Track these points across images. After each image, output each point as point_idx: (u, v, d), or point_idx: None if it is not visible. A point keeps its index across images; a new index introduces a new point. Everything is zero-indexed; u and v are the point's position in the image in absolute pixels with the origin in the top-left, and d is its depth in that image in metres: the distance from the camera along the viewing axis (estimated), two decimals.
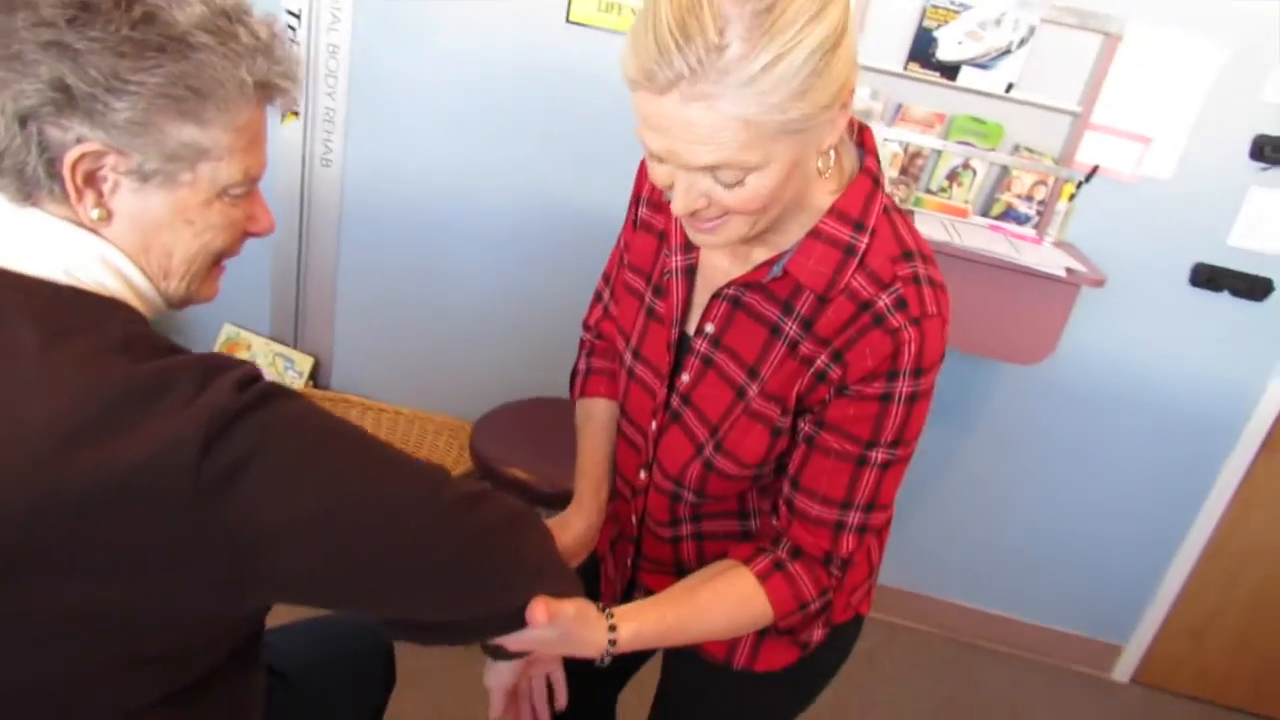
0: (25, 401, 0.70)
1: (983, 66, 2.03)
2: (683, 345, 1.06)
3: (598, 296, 1.28)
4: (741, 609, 1.03)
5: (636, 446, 1.14)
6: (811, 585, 1.03)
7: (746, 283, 0.98)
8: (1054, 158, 2.09)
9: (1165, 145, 2.05)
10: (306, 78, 2.22)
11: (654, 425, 1.10)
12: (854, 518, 1.00)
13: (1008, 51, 2.01)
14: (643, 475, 1.14)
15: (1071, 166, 2.06)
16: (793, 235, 0.96)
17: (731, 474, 1.03)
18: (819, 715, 1.34)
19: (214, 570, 0.72)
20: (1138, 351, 2.25)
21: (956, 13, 1.99)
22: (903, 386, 0.93)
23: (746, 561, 1.04)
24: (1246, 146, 2.03)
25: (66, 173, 0.74)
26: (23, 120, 0.73)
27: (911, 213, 2.12)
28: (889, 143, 2.09)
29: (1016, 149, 2.09)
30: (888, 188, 0.98)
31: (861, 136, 0.98)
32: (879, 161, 0.97)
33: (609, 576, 1.30)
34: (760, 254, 0.99)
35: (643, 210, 1.13)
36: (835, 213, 0.94)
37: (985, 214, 2.15)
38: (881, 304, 0.92)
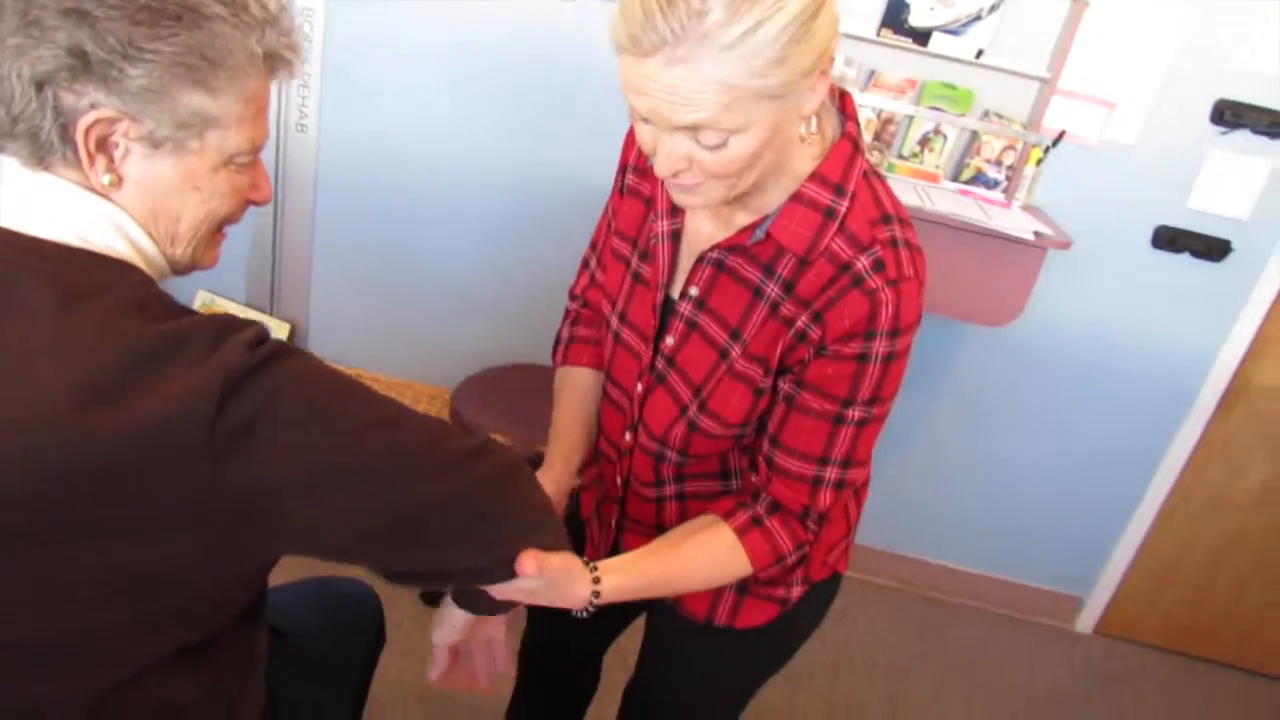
0: (43, 363, 0.71)
1: (954, 32, 2.06)
2: (667, 308, 1.09)
3: (585, 264, 1.30)
4: (721, 562, 1.06)
5: (622, 409, 1.17)
6: (788, 539, 1.06)
7: (730, 246, 1.01)
8: (1022, 123, 2.13)
9: (1129, 110, 2.10)
10: None
11: (639, 387, 1.12)
12: (831, 473, 1.03)
13: (978, 18, 2.04)
14: (628, 437, 1.16)
15: (1039, 131, 2.10)
16: (774, 199, 0.98)
17: (715, 434, 1.06)
18: (793, 671, 1.39)
19: (229, 523, 0.74)
20: (1102, 312, 2.31)
21: None
22: (879, 347, 0.96)
23: (726, 516, 1.07)
24: (1208, 110, 2.08)
25: (80, 138, 0.76)
26: (39, 85, 0.74)
27: (884, 178, 2.15)
28: (862, 109, 2.12)
29: (986, 114, 2.13)
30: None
31: (843, 103, 1.00)
32: (859, 127, 1.00)
33: (594, 540, 1.32)
34: (743, 218, 1.01)
35: (630, 177, 1.15)
36: (817, 177, 0.96)
37: (956, 179, 2.19)
38: (860, 266, 0.95)
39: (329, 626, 1.31)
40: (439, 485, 0.84)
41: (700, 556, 1.07)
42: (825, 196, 0.96)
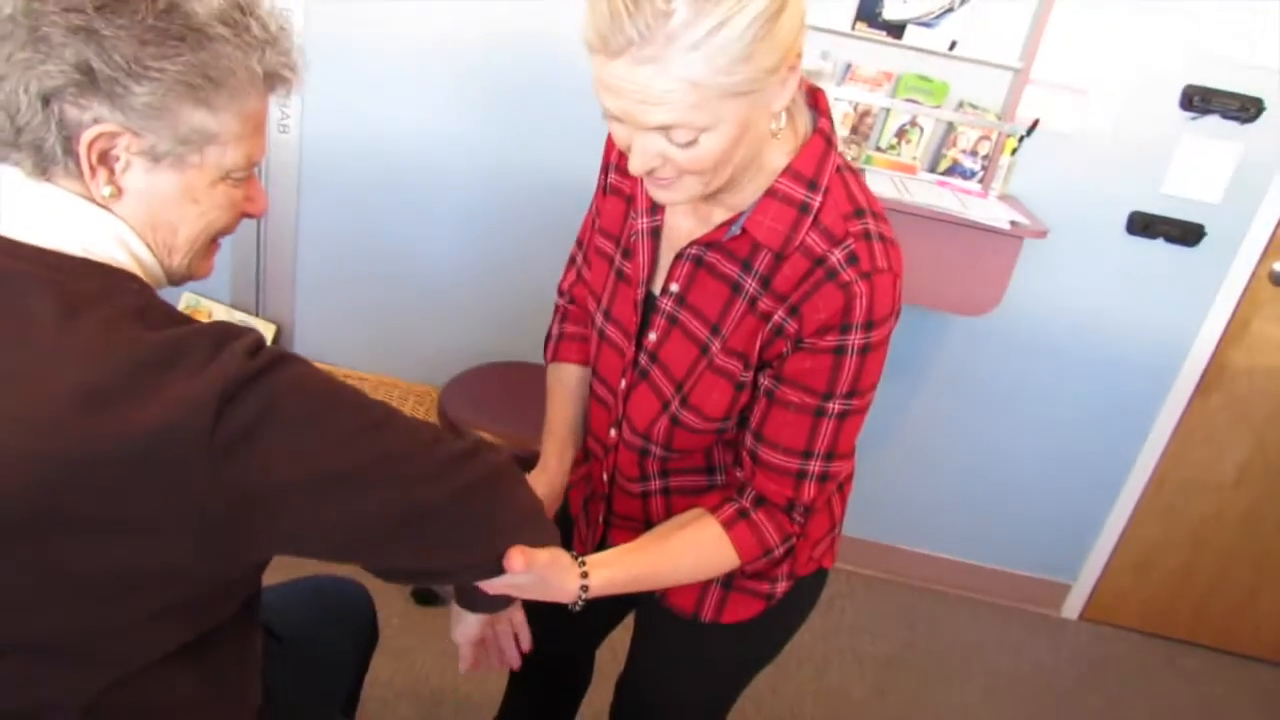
0: (47, 369, 0.73)
1: (927, 25, 2.09)
2: (650, 305, 1.10)
3: (571, 261, 1.31)
4: (708, 555, 1.08)
5: (607, 405, 1.18)
6: (775, 532, 1.07)
7: (708, 242, 1.02)
8: (996, 113, 2.15)
9: (1101, 98, 2.13)
10: None
11: (623, 383, 1.14)
12: (815, 466, 1.04)
13: (950, 9, 2.07)
14: (613, 433, 1.18)
15: (1013, 121, 2.13)
16: (750, 195, 1.00)
17: (697, 428, 1.08)
18: (782, 663, 1.40)
19: (225, 525, 0.76)
20: (1080, 299, 2.34)
21: None
22: (855, 339, 0.97)
23: (713, 510, 1.08)
24: (1177, 97, 2.11)
25: (82, 150, 0.78)
26: (45, 99, 0.76)
27: (863, 171, 2.17)
28: (839, 102, 2.14)
29: (961, 105, 2.16)
30: (839, 147, 1.02)
31: (815, 99, 1.02)
32: (832, 123, 1.01)
33: (581, 536, 1.34)
34: (720, 214, 1.02)
35: (611, 176, 1.16)
36: (790, 172, 0.98)
37: (933, 170, 2.21)
38: (834, 259, 0.96)
39: (322, 625, 1.32)
40: (431, 487, 0.86)
41: (687, 550, 1.08)
42: (799, 191, 0.98)
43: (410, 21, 2.22)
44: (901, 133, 2.18)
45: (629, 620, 1.42)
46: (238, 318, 2.51)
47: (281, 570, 1.00)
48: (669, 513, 1.18)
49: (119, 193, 0.81)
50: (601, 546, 1.28)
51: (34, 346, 0.74)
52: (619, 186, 1.15)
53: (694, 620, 1.23)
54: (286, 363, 0.78)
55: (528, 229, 2.38)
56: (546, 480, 1.22)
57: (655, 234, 1.09)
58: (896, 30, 2.10)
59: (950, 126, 2.17)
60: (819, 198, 0.98)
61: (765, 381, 1.03)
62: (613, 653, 1.58)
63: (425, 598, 2.26)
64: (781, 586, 1.21)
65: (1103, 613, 2.74)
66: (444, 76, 2.27)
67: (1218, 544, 2.60)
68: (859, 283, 0.95)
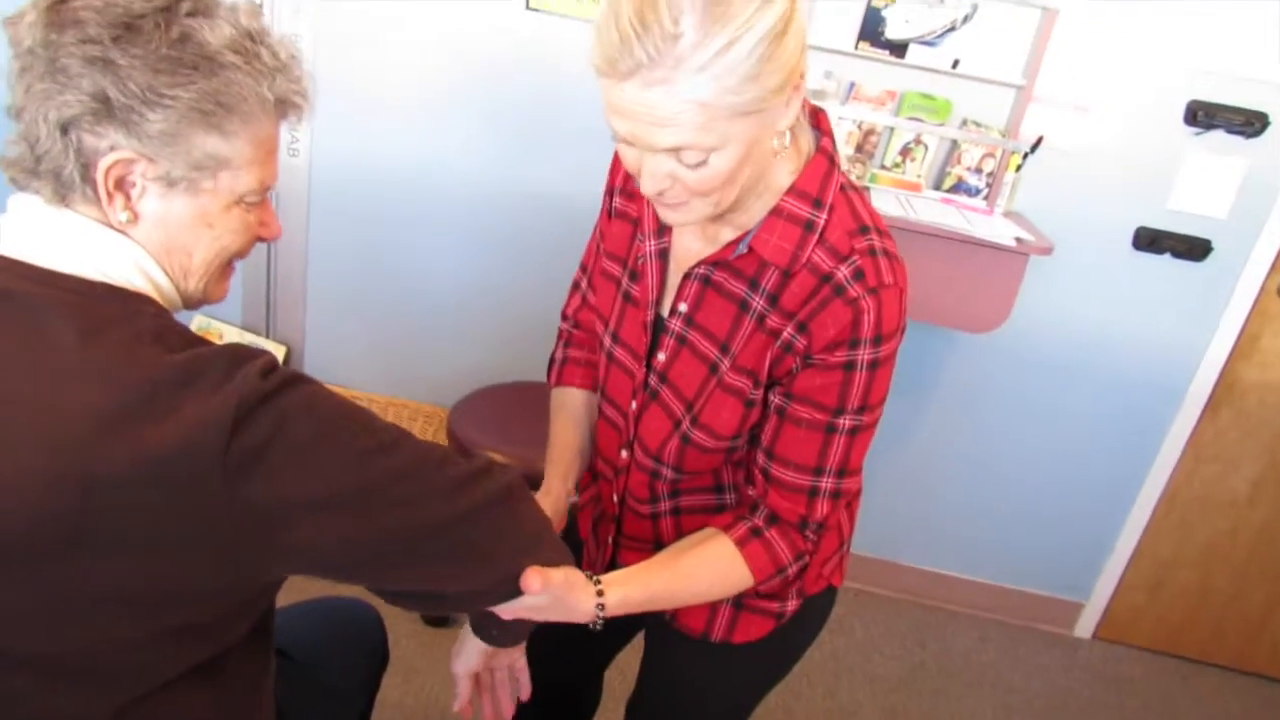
0: (67, 390, 0.75)
1: (929, 44, 2.10)
2: (658, 326, 1.11)
3: (575, 286, 1.32)
4: (722, 574, 1.08)
5: (617, 427, 1.18)
6: (788, 550, 1.08)
7: (715, 261, 1.03)
8: (1000, 130, 2.16)
9: (1105, 114, 2.13)
10: None
11: (634, 405, 1.14)
12: (827, 483, 1.05)
13: (953, 28, 2.08)
14: (624, 454, 1.18)
15: (1017, 138, 2.13)
16: (756, 214, 1.01)
17: (708, 447, 1.08)
18: (792, 683, 1.39)
19: (239, 544, 0.77)
20: (1087, 315, 2.33)
21: None
22: (864, 354, 0.98)
23: (726, 529, 1.08)
24: (1181, 112, 2.12)
25: (100, 177, 0.80)
26: (64, 128, 0.78)
27: (868, 189, 2.18)
28: (844, 121, 2.16)
29: (965, 123, 2.17)
30: (844, 165, 1.03)
31: (817, 119, 1.03)
32: (834, 142, 1.03)
33: (590, 558, 1.34)
34: (727, 234, 1.04)
35: (617, 200, 1.17)
36: (795, 191, 0.99)
37: (937, 187, 2.22)
38: (841, 275, 0.97)
39: (332, 647, 1.33)
40: (440, 508, 0.87)
41: (702, 568, 1.08)
42: (804, 210, 0.99)
43: (418, 47, 2.25)
44: (906, 151, 2.19)
45: (636, 641, 1.42)
46: (248, 339, 2.53)
47: (292, 592, 1.01)
48: (679, 534, 1.18)
49: (135, 218, 0.83)
50: (611, 568, 1.28)
51: (54, 369, 0.76)
52: (625, 210, 1.16)
53: (704, 640, 1.23)
54: (299, 384, 0.79)
55: (535, 251, 2.40)
56: (550, 504, 1.22)
57: (663, 256, 1.10)
58: (899, 49, 2.11)
59: (954, 144, 2.18)
60: (824, 215, 0.99)
61: (776, 399, 1.04)
62: (620, 673, 1.58)
63: (435, 619, 2.26)
64: (791, 605, 1.21)
65: (1116, 632, 2.71)
66: (451, 101, 2.30)
67: (1232, 562, 2.58)
68: (866, 298, 0.96)
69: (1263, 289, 2.26)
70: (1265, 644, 2.66)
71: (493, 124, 2.31)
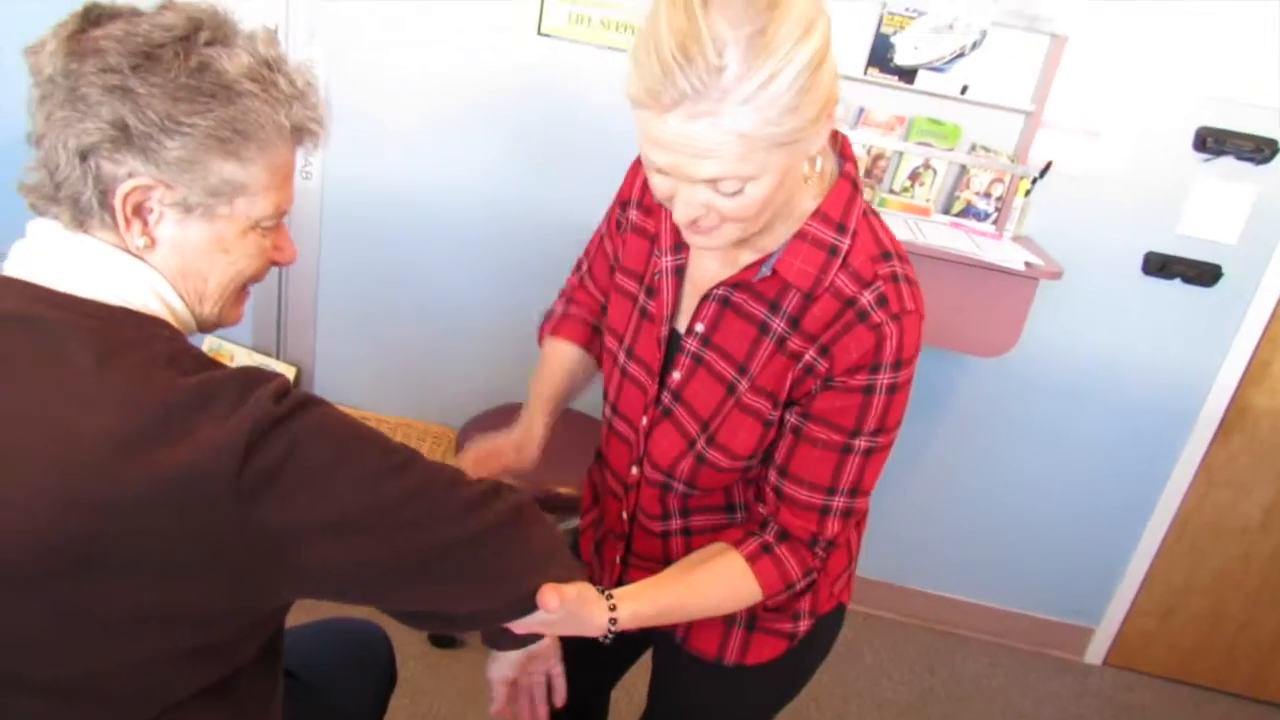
0: (82, 414, 0.75)
1: (938, 69, 2.11)
2: (673, 344, 1.12)
3: (576, 267, 1.35)
4: (733, 588, 1.08)
5: (628, 441, 1.19)
6: (798, 566, 1.08)
7: (735, 283, 1.04)
8: (1009, 155, 2.17)
9: (1114, 139, 2.14)
10: None
11: (645, 420, 1.15)
12: (839, 502, 1.05)
13: (961, 54, 2.09)
14: (634, 470, 1.18)
15: (1026, 163, 2.14)
16: (778, 237, 1.02)
17: (723, 466, 1.09)
18: (801, 708, 1.38)
19: (251, 567, 0.78)
20: (1096, 340, 2.33)
21: (911, 18, 2.07)
22: (884, 379, 0.99)
23: (736, 544, 1.09)
24: (1190, 138, 2.12)
25: (118, 203, 0.81)
26: (83, 155, 0.80)
27: (880, 216, 2.18)
28: (852, 146, 2.16)
29: (973, 148, 2.18)
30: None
31: (839, 144, 1.04)
32: (857, 167, 1.04)
33: (596, 579, 1.34)
34: (747, 256, 1.04)
35: (634, 214, 1.18)
36: (819, 215, 1.00)
37: (946, 212, 2.23)
38: (864, 301, 0.98)
39: (340, 667, 1.33)
40: (451, 529, 0.87)
41: (713, 583, 1.09)
42: (828, 234, 1.00)
43: (430, 72, 2.27)
44: (915, 175, 2.20)
45: (644, 662, 1.42)
46: (258, 360, 2.54)
47: (301, 612, 1.01)
48: (689, 553, 1.18)
49: (152, 243, 0.84)
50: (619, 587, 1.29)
51: (69, 392, 0.76)
52: (642, 226, 1.16)
53: (717, 663, 1.23)
54: (311, 406, 0.80)
55: (543, 273, 2.39)
56: (524, 428, 1.24)
57: (679, 272, 1.11)
58: (908, 75, 2.12)
59: (963, 169, 2.19)
60: (847, 240, 1.00)
61: (792, 418, 1.04)
62: (627, 694, 1.57)
63: (442, 640, 2.26)
64: (804, 625, 1.22)
65: (1127, 658, 2.69)
66: (463, 125, 2.31)
67: (1245, 588, 2.56)
68: (890, 324, 0.97)
69: (1273, 315, 2.25)
70: (1278, 671, 2.63)
71: (503, 148, 2.32)
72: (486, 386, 2.50)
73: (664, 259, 1.12)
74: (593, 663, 1.20)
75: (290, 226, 0.98)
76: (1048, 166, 2.11)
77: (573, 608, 0.97)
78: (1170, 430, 2.41)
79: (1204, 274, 2.22)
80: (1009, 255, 2.03)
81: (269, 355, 2.56)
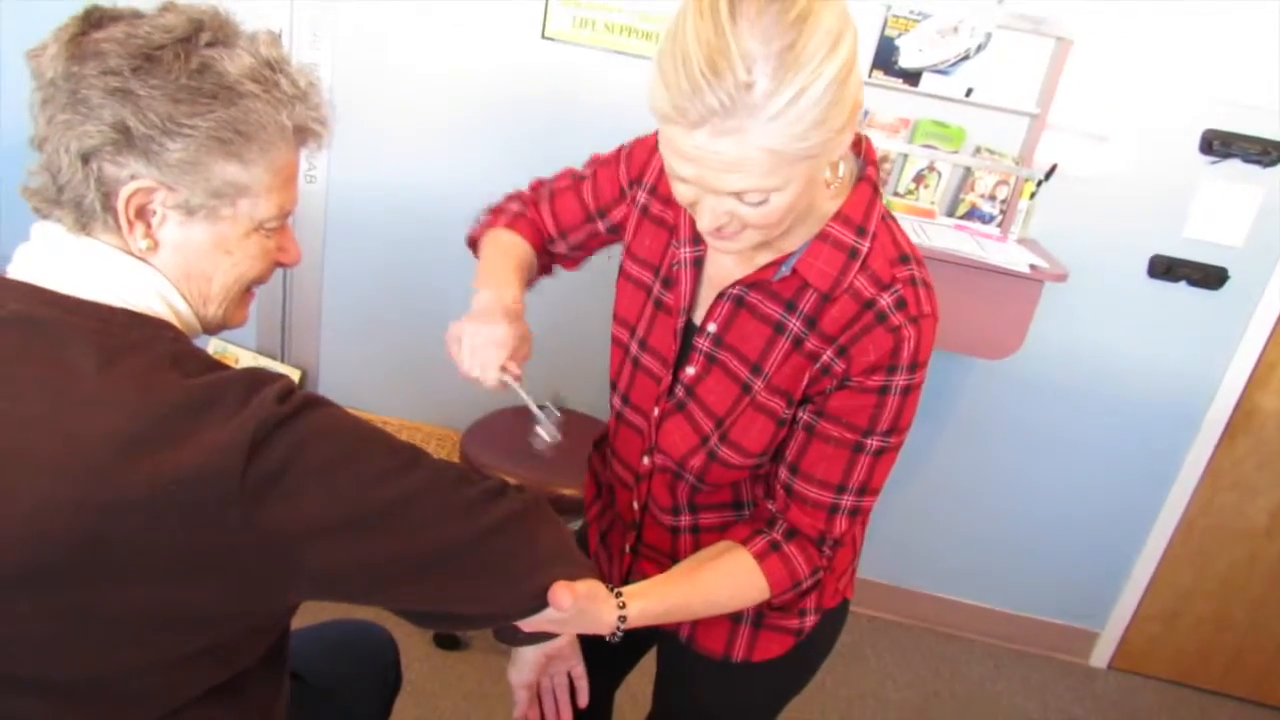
0: (86, 416, 0.75)
1: (943, 72, 2.11)
2: (688, 336, 1.12)
3: (535, 187, 1.37)
4: (741, 586, 1.09)
5: (640, 431, 1.19)
6: (805, 564, 1.09)
7: (751, 283, 1.04)
8: (1014, 158, 2.16)
9: (1119, 142, 2.13)
10: None
11: (656, 411, 1.15)
12: (848, 501, 1.06)
13: (966, 57, 2.09)
14: (646, 460, 1.19)
15: (1031, 166, 2.13)
16: (797, 239, 1.02)
17: (734, 463, 1.09)
18: (805, 711, 1.38)
19: (256, 568, 0.77)
20: (1103, 343, 2.33)
21: (916, 21, 2.07)
22: (900, 380, 1.00)
23: (744, 542, 1.09)
24: (1196, 141, 2.11)
25: (120, 206, 0.81)
26: (85, 158, 0.80)
27: (893, 217, 2.18)
28: None
29: (978, 150, 2.17)
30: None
31: (862, 146, 1.04)
32: (878, 170, 1.04)
33: (604, 570, 1.34)
34: (764, 256, 1.04)
35: (649, 201, 1.17)
36: (841, 217, 1.00)
37: (951, 214, 2.22)
38: (883, 303, 0.99)
39: (346, 669, 1.33)
40: (459, 527, 0.87)
41: (721, 581, 1.09)
42: (848, 236, 1.00)
43: (435, 74, 2.27)
44: (919, 178, 2.20)
45: (647, 664, 1.42)
46: (262, 363, 2.54)
47: (306, 614, 1.01)
48: (697, 551, 1.18)
49: (155, 245, 0.84)
50: (627, 578, 1.29)
51: (73, 395, 0.76)
52: (661, 216, 1.16)
53: (725, 661, 1.24)
54: (316, 407, 0.80)
55: (548, 277, 2.40)
56: (512, 299, 1.25)
57: (698, 263, 1.11)
58: (913, 78, 2.12)
59: (968, 171, 2.19)
60: (867, 243, 1.00)
61: (805, 416, 1.05)
62: (632, 698, 1.57)
63: (447, 642, 2.26)
64: (810, 621, 1.22)
65: (1132, 662, 2.68)
66: (467, 127, 2.32)
67: (1251, 592, 2.55)
68: (908, 327, 0.98)
69: None
70: None
71: (507, 151, 2.32)
72: (489, 390, 2.49)
73: (683, 250, 1.11)
74: (595, 663, 1.20)
75: (295, 228, 0.98)
76: (1053, 169, 2.11)
77: (583, 605, 0.97)
78: (1176, 433, 2.40)
79: (1210, 277, 2.21)
80: (1014, 258, 2.03)
81: (273, 357, 2.56)
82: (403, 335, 2.54)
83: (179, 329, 0.87)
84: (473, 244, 1.39)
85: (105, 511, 0.73)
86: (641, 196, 1.18)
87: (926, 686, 2.50)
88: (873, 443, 1.03)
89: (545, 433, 1.17)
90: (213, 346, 2.53)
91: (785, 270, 1.02)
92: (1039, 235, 2.23)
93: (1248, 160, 2.10)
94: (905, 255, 1.02)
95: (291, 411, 0.77)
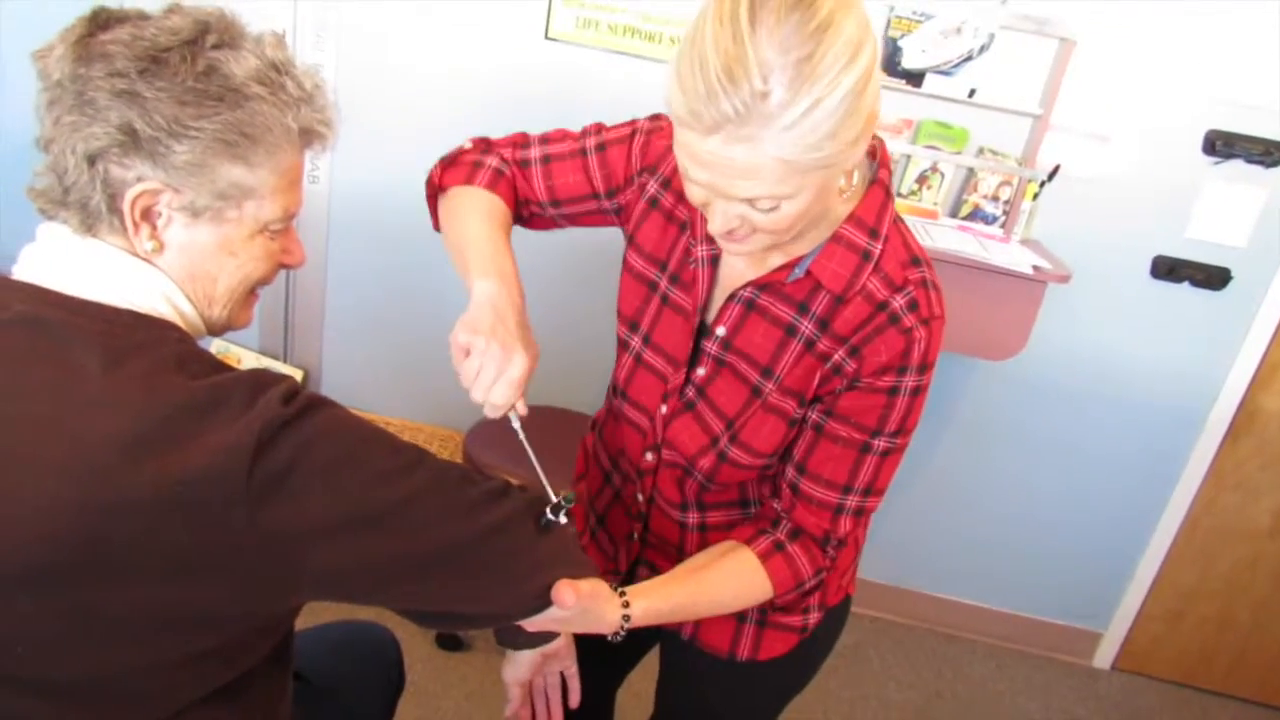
0: (90, 418, 0.75)
1: (946, 73, 2.11)
2: (697, 338, 1.12)
3: (518, 145, 1.28)
4: (745, 586, 1.09)
5: (641, 430, 1.19)
6: (809, 565, 1.09)
7: (763, 284, 1.04)
8: (1017, 159, 2.16)
9: (1122, 143, 2.13)
10: None
11: (664, 409, 1.15)
12: (853, 501, 1.07)
13: (969, 58, 2.09)
14: (649, 457, 1.19)
15: (1034, 167, 2.13)
16: (809, 242, 1.02)
17: (744, 464, 1.09)
18: (808, 710, 1.37)
19: (261, 569, 0.78)
20: (1105, 344, 2.33)
21: (919, 22, 2.07)
22: (909, 381, 1.01)
23: (748, 542, 1.10)
24: (1199, 142, 2.11)
25: (126, 207, 0.81)
26: (91, 160, 0.80)
27: (903, 220, 2.18)
28: None
29: (981, 151, 2.17)
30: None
31: (880, 153, 1.04)
32: (891, 173, 1.04)
33: (609, 556, 1.33)
34: (776, 258, 1.05)
35: (664, 195, 1.15)
36: (854, 220, 1.00)
37: (954, 215, 2.22)
38: (896, 305, 1.00)
39: (349, 670, 1.33)
40: (462, 527, 0.87)
41: (725, 581, 1.10)
42: (861, 239, 1.00)
43: (438, 75, 2.27)
44: (922, 179, 2.20)
45: (648, 664, 1.42)
46: (265, 363, 2.54)
47: (309, 614, 1.01)
48: (703, 549, 1.18)
49: (161, 247, 0.85)
50: (635, 564, 1.29)
51: (78, 396, 0.76)
52: (673, 211, 1.15)
53: (729, 659, 1.24)
54: (320, 408, 0.80)
55: (551, 277, 2.40)
56: (521, 301, 1.18)
57: (715, 261, 1.11)
58: (916, 78, 2.12)
59: (971, 172, 2.19)
60: (879, 245, 1.01)
61: (814, 415, 1.06)
62: (635, 697, 1.57)
63: (449, 643, 2.26)
64: (814, 618, 1.23)
65: (1136, 662, 2.68)
66: (471, 129, 2.29)
67: (1254, 593, 2.55)
68: (919, 328, 0.99)
69: None
70: None
71: None
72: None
73: (699, 247, 1.11)
74: (598, 663, 1.20)
75: (298, 230, 0.98)
76: (1056, 170, 2.11)
77: (586, 604, 0.97)
78: (1179, 434, 2.40)
79: (1213, 277, 2.21)
80: (1017, 259, 2.03)
81: (276, 358, 2.56)
82: (406, 336, 2.54)
83: (184, 330, 0.87)
84: (438, 188, 1.29)
85: (109, 512, 0.73)
86: (652, 186, 1.16)
87: (929, 687, 2.50)
88: (880, 443, 1.04)
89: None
90: (215, 347, 2.53)
91: (799, 272, 1.02)
92: (1042, 236, 2.23)
93: (1250, 161, 2.10)
94: (916, 258, 1.03)
95: (297, 412, 0.77)
